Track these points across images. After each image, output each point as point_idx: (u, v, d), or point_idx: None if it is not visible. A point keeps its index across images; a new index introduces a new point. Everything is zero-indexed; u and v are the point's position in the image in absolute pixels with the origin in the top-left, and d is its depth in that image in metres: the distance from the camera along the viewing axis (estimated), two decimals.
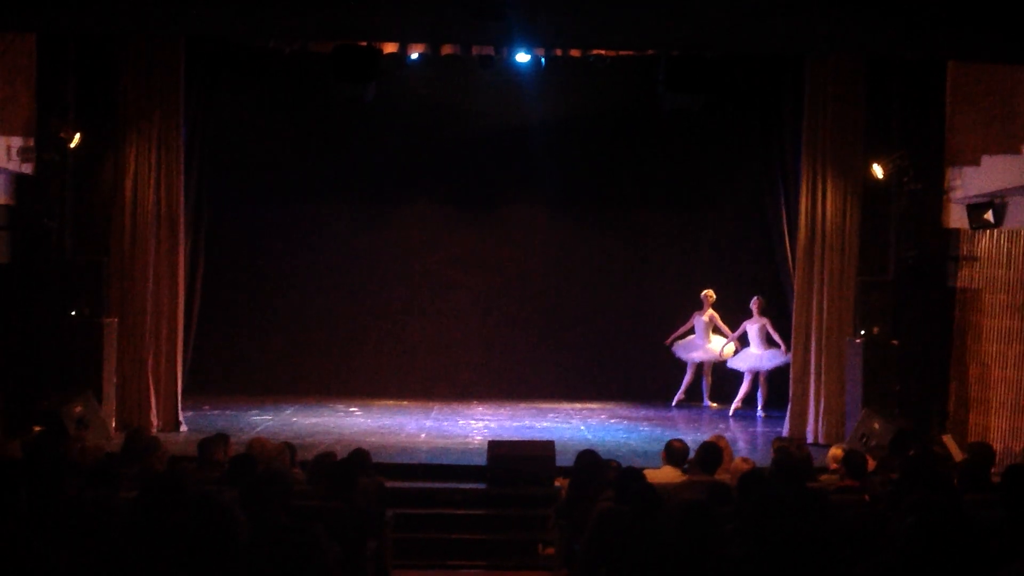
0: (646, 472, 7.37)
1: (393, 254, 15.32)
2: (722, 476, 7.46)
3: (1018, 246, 11.14)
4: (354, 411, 13.66)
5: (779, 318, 13.44)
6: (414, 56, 12.90)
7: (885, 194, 12.28)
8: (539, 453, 9.94)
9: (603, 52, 12.51)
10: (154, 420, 11.92)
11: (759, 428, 13.16)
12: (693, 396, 14.55)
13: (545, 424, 12.94)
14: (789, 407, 12.48)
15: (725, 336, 14.06)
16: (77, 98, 11.86)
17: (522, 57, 12.80)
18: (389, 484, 8.37)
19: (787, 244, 12.93)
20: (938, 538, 4.32)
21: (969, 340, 11.83)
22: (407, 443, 11.44)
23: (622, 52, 12.50)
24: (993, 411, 11.36)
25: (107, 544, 4.88)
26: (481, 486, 9.91)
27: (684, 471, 7.67)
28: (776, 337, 13.48)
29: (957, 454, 10.03)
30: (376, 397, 14.61)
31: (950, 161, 11.84)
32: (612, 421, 13.35)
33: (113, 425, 11.49)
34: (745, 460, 7.73)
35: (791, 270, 12.72)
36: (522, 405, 14.36)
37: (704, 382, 14.51)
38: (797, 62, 12.35)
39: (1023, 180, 10.44)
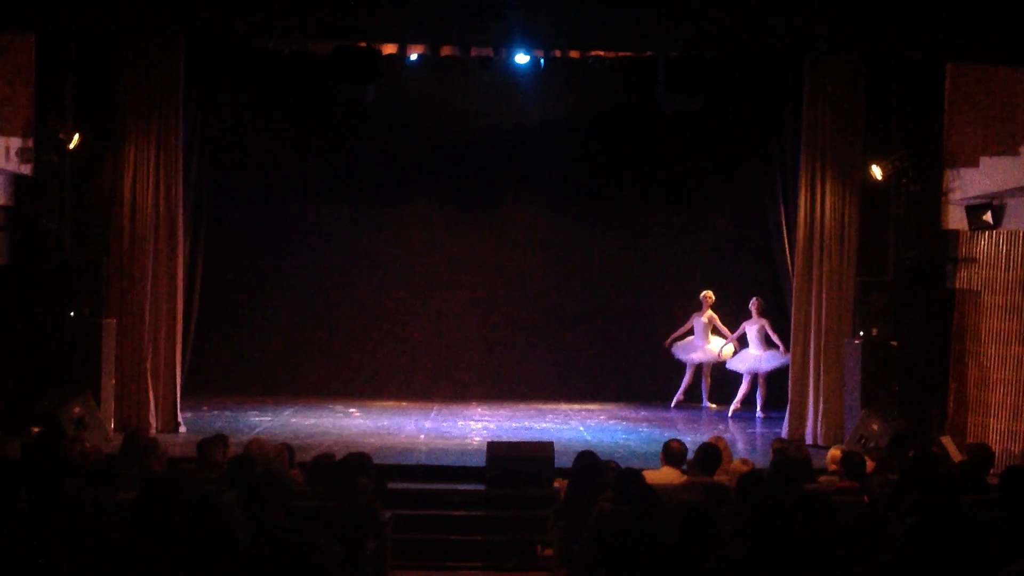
0: (645, 473, 7.37)
1: (392, 255, 15.32)
2: (721, 477, 7.46)
3: (1017, 247, 11.14)
4: (353, 412, 13.65)
5: (778, 319, 13.45)
6: (413, 57, 12.90)
7: (884, 195, 12.29)
8: (538, 454, 9.93)
9: (602, 53, 12.51)
10: (153, 421, 11.91)
11: (758, 429, 13.16)
12: (692, 397, 14.55)
13: (544, 425, 12.94)
14: (788, 408, 12.48)
15: (724, 337, 14.06)
16: (76, 98, 11.85)
17: (521, 58, 12.80)
18: (388, 485, 8.38)
19: (786, 245, 12.93)
20: (937, 539, 4.32)
21: (968, 341, 11.84)
22: (406, 444, 11.44)
23: (621, 53, 12.49)
24: (992, 412, 11.37)
25: (106, 545, 4.88)
26: (480, 487, 9.90)
27: (683, 472, 7.68)
28: (775, 338, 13.49)
29: (956, 455, 10.03)
30: (375, 398, 14.62)
31: (949, 162, 11.85)
32: (611, 422, 13.35)
33: (112, 426, 11.48)
34: (744, 461, 7.72)
35: (790, 271, 12.72)
36: (521, 406, 14.36)
37: (703, 383, 14.51)
38: (797, 62, 12.35)
39: (1022, 181, 10.45)
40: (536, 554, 8.77)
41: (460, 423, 12.96)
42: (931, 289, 12.10)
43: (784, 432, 12.25)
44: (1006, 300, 11.26)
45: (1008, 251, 11.27)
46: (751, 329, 13.70)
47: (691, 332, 14.24)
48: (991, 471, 7.92)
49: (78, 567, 4.66)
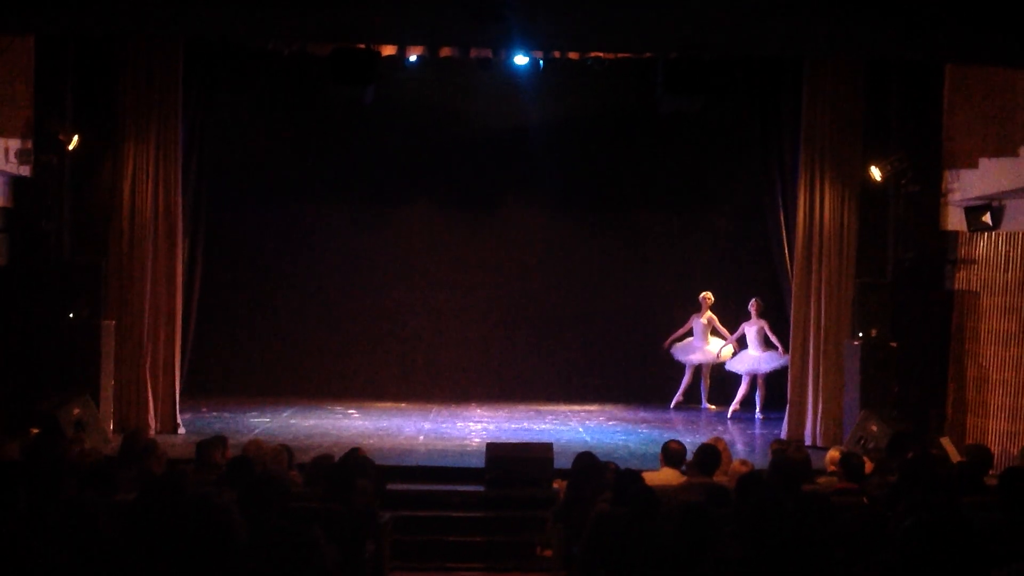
0: (645, 474, 7.38)
1: (392, 256, 15.32)
2: (720, 478, 7.45)
3: (1016, 249, 11.15)
4: (352, 413, 13.65)
5: (777, 320, 13.45)
6: (413, 58, 12.90)
7: (883, 196, 12.29)
8: (537, 455, 9.93)
9: (601, 54, 12.51)
10: (152, 422, 11.91)
11: (757, 430, 13.17)
12: (691, 398, 14.55)
13: (543, 426, 12.94)
14: (787, 409, 12.48)
15: (723, 338, 14.07)
16: (76, 99, 11.85)
17: (520, 59, 12.81)
18: (387, 486, 8.38)
19: (785, 246, 12.94)
20: (936, 540, 4.32)
21: (967, 342, 11.84)
22: (405, 445, 11.43)
23: (620, 54, 12.50)
24: (991, 413, 11.38)
25: (106, 546, 4.88)
26: (479, 488, 9.90)
27: (683, 473, 7.67)
28: (774, 339, 13.49)
29: (955, 456, 10.03)
30: (374, 399, 14.61)
31: (948, 163, 11.85)
32: (610, 423, 13.35)
33: (111, 427, 11.48)
34: (743, 462, 7.72)
35: (789, 272, 12.72)
36: (520, 407, 14.36)
37: (702, 384, 14.51)
38: (796, 63, 12.36)
39: (1021, 183, 10.46)
40: (535, 555, 8.77)
41: (459, 424, 12.96)
42: (930, 290, 12.11)
43: (783, 433, 12.25)
44: (1005, 301, 11.27)
45: (1007, 252, 11.28)
46: (750, 330, 13.71)
47: (690, 333, 14.25)
48: (990, 472, 7.92)
49: (77, 568, 4.66)
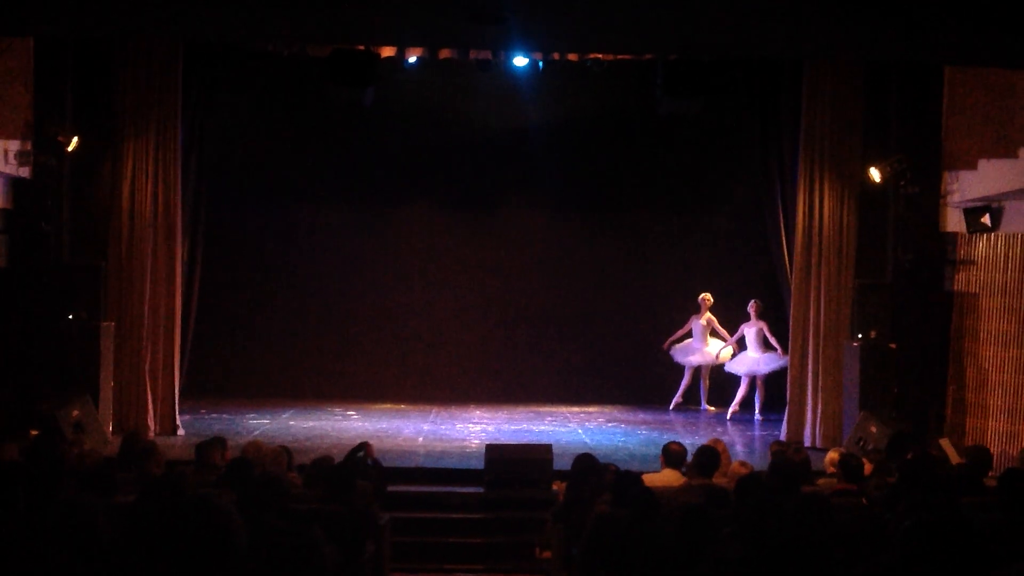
0: (646, 476, 7.38)
1: (391, 257, 15.32)
2: (720, 480, 7.45)
3: (1015, 250, 11.16)
4: (352, 415, 13.65)
5: (777, 321, 13.45)
6: (412, 60, 12.91)
7: (883, 197, 12.29)
8: (537, 456, 9.93)
9: (601, 56, 12.52)
10: (151, 424, 11.91)
11: (757, 432, 13.17)
12: (691, 400, 14.55)
13: (543, 427, 12.94)
14: (787, 410, 12.48)
15: (723, 339, 14.08)
16: (75, 101, 11.85)
17: (520, 61, 12.81)
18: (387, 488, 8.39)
19: (784, 247, 12.94)
20: (935, 541, 4.32)
21: (966, 344, 11.84)
22: (405, 447, 11.43)
23: (620, 56, 12.50)
24: (990, 414, 11.38)
25: (105, 547, 4.88)
26: (479, 490, 9.90)
27: (683, 474, 7.67)
28: (773, 341, 13.50)
29: (954, 457, 10.03)
30: (374, 401, 14.62)
31: (947, 165, 11.85)
32: (610, 424, 13.35)
33: (110, 429, 11.47)
34: (743, 463, 7.72)
35: (788, 273, 12.72)
36: (520, 408, 14.36)
37: (702, 385, 14.51)
38: (796, 64, 12.35)
39: (1020, 184, 10.46)
40: (535, 556, 8.74)
41: (459, 426, 12.96)
42: (929, 291, 12.10)
43: (783, 434, 12.25)
44: (1004, 302, 11.27)
45: (1006, 253, 11.28)
46: (750, 331, 13.71)
47: (690, 334, 14.25)
48: (989, 473, 7.93)
49: (77, 570, 4.66)
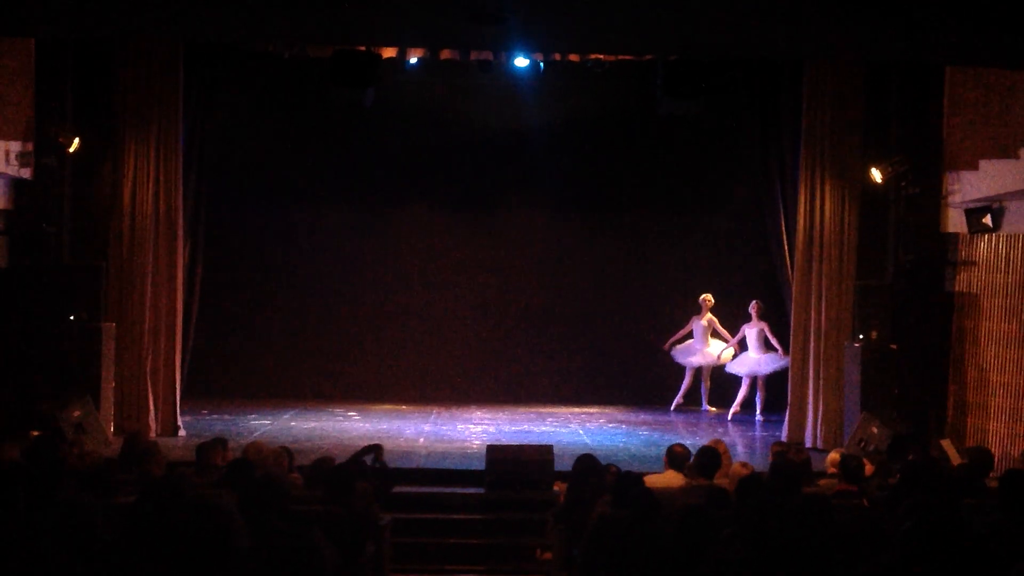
0: (648, 476, 7.38)
1: (392, 258, 15.33)
2: (721, 481, 7.45)
3: (1016, 250, 11.15)
4: (353, 415, 13.64)
5: (778, 322, 13.45)
6: (413, 60, 12.91)
7: (884, 198, 12.29)
8: (537, 457, 9.92)
9: (601, 56, 12.52)
10: (152, 424, 11.90)
11: (758, 432, 13.16)
12: (692, 400, 14.54)
13: (544, 428, 12.94)
14: (788, 411, 12.48)
15: (724, 340, 14.07)
16: (76, 101, 11.85)
17: (521, 61, 12.81)
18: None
19: (785, 248, 12.93)
20: (935, 542, 4.32)
21: (967, 344, 11.84)
22: (406, 447, 11.41)
23: (620, 56, 12.50)
24: (991, 415, 11.37)
25: (105, 548, 4.88)
26: (479, 490, 9.89)
27: (684, 475, 7.67)
28: (774, 341, 13.49)
29: (955, 458, 10.03)
30: (375, 401, 14.61)
31: (948, 165, 11.84)
32: (610, 425, 13.35)
33: (111, 430, 11.47)
34: (744, 464, 7.71)
35: (789, 274, 12.72)
36: (521, 409, 14.36)
37: (703, 386, 14.51)
38: (796, 64, 12.35)
39: (1021, 184, 10.46)
40: (535, 558, 8.76)
41: (460, 426, 12.95)
42: (930, 292, 12.10)
43: (784, 435, 12.24)
44: (1005, 303, 11.26)
45: (1007, 254, 11.27)
46: (750, 332, 13.71)
47: (691, 335, 14.25)
48: (990, 474, 7.92)
49: (77, 571, 4.66)
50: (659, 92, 12.54)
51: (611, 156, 15.20)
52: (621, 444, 11.92)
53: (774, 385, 13.62)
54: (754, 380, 13.84)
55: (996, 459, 9.45)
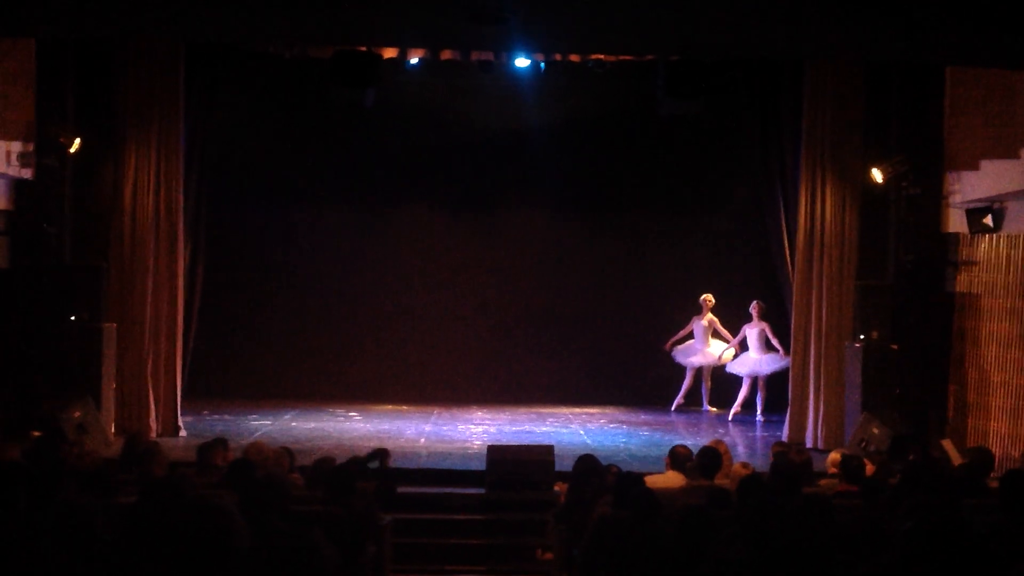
0: (650, 477, 7.38)
1: (393, 258, 15.33)
2: (722, 481, 7.45)
3: (1017, 251, 11.14)
4: (353, 416, 13.65)
5: (778, 322, 13.45)
6: (414, 61, 12.93)
7: (884, 198, 12.29)
8: (538, 458, 9.92)
9: (602, 57, 12.52)
10: (153, 425, 11.90)
11: (758, 433, 13.17)
12: (692, 401, 14.55)
13: (544, 429, 12.94)
14: (788, 411, 12.48)
15: (724, 340, 14.07)
16: (77, 101, 11.86)
17: (521, 62, 12.82)
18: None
19: (786, 248, 12.92)
20: (936, 542, 4.32)
21: (968, 345, 11.83)
22: (406, 448, 11.41)
23: (621, 57, 12.50)
24: (992, 416, 11.36)
25: (106, 549, 4.88)
26: (480, 491, 9.89)
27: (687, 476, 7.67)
28: (775, 341, 13.49)
29: (956, 459, 10.03)
30: (375, 402, 14.61)
31: (949, 165, 11.83)
32: (611, 426, 13.35)
33: (112, 430, 11.47)
34: (745, 465, 7.72)
35: (790, 274, 12.71)
36: (521, 410, 14.36)
37: (703, 386, 14.51)
38: (796, 64, 12.35)
39: (1022, 184, 10.45)
40: (536, 558, 8.77)
41: (460, 427, 12.96)
42: (931, 292, 12.09)
43: (784, 436, 12.24)
44: (1006, 303, 11.25)
45: (1008, 254, 11.26)
46: (751, 332, 13.71)
47: (691, 335, 14.25)
48: (991, 475, 7.92)
49: (77, 571, 4.66)
50: (660, 92, 12.55)
51: (611, 156, 15.21)
52: (622, 444, 11.92)
53: (775, 385, 13.62)
54: (755, 380, 13.84)
55: (997, 459, 9.44)
